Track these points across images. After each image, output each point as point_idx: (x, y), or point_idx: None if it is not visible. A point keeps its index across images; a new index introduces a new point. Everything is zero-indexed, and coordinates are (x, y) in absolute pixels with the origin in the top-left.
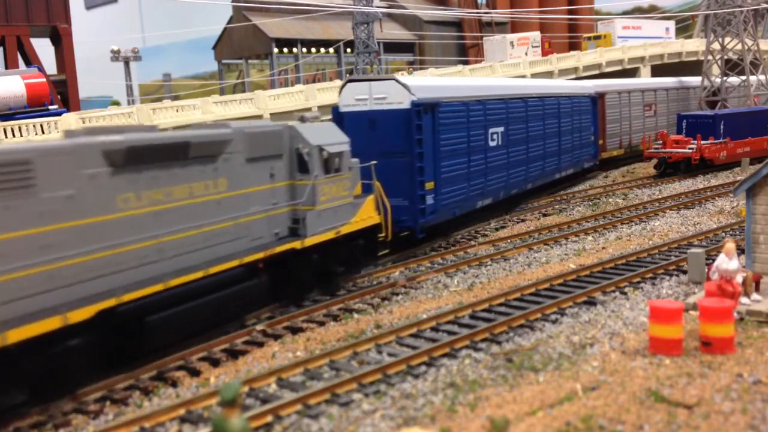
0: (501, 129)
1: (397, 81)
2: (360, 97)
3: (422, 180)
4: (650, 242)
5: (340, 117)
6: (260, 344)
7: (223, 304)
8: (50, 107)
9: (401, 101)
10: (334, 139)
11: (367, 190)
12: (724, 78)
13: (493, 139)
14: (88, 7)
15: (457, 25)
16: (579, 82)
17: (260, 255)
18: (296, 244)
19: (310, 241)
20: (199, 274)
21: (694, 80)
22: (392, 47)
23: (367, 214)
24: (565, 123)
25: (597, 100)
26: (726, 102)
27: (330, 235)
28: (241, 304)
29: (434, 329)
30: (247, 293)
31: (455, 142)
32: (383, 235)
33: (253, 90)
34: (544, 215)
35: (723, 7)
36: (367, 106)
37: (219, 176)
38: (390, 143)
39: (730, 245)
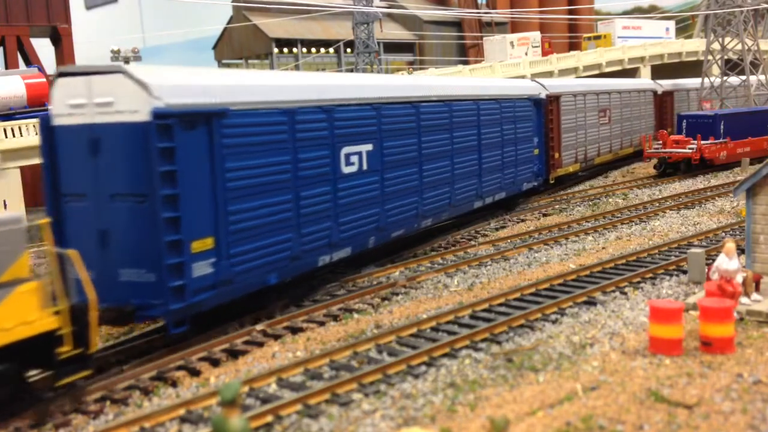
0: (368, 147)
1: (126, 74)
2: (76, 101)
3: (177, 239)
4: (650, 242)
5: (50, 134)
6: (260, 344)
7: None
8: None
9: (136, 109)
10: None
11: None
12: (724, 78)
13: (350, 163)
14: (88, 7)
15: (457, 25)
16: (519, 82)
17: None
18: None
19: None
20: None
21: (646, 83)
22: (392, 47)
23: (16, 319)
24: (490, 134)
25: (544, 103)
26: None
27: None
28: None
29: (434, 329)
30: None
31: (262, 172)
32: (68, 349)
33: None
34: (544, 215)
35: (723, 7)
36: (87, 117)
37: None
38: (120, 179)
39: (730, 245)
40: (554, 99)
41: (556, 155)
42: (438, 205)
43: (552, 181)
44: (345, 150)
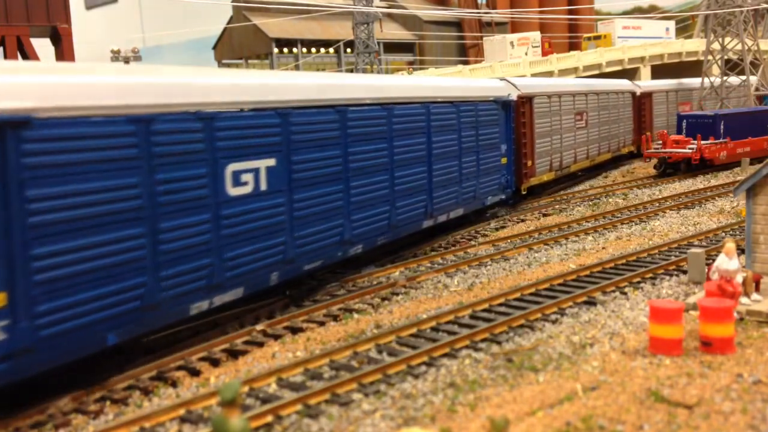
0: (269, 163)
1: None
2: None
3: None
4: (650, 242)
5: None
6: (260, 344)
7: None
8: None
9: None
10: None
11: None
12: (724, 78)
13: (240, 183)
14: (88, 7)
15: (457, 25)
16: (483, 81)
17: None
18: None
19: None
20: None
21: (625, 84)
22: (392, 47)
23: None
24: (444, 142)
25: (513, 106)
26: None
27: None
28: None
29: (434, 329)
30: None
31: (90, 200)
32: None
33: None
34: (544, 215)
35: (723, 7)
36: None
37: None
38: None
39: (730, 245)
40: (527, 100)
41: (529, 163)
42: (372, 228)
43: (524, 192)
44: (232, 167)
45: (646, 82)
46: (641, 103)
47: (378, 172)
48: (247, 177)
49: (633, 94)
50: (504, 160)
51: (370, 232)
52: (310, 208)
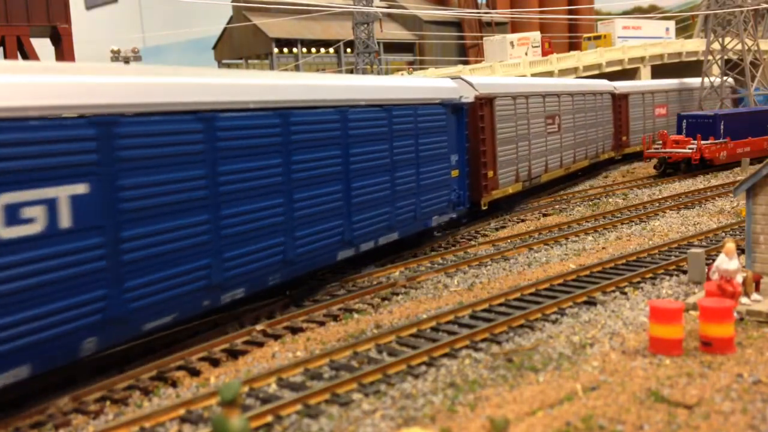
0: (76, 191)
1: None
2: None
3: None
4: (650, 242)
5: None
6: (260, 344)
7: None
8: None
9: None
10: None
11: None
12: (724, 78)
13: (19, 221)
14: (88, 7)
15: (457, 25)
16: (427, 81)
17: None
18: None
19: None
20: None
21: (603, 84)
22: (392, 47)
23: None
24: (369, 155)
25: (467, 109)
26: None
27: None
28: None
29: (434, 329)
30: None
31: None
32: None
33: None
34: (544, 215)
35: (723, 7)
36: None
37: None
38: None
39: (730, 245)
40: (487, 102)
41: (490, 174)
42: (257, 267)
43: (484, 207)
44: (6, 199)
45: (623, 83)
46: (618, 105)
47: (267, 196)
48: (34, 212)
49: (613, 95)
50: (455, 173)
51: (254, 272)
52: (149, 249)
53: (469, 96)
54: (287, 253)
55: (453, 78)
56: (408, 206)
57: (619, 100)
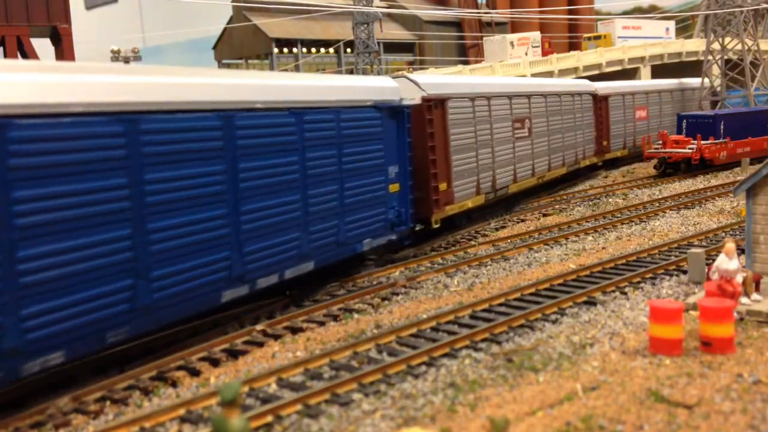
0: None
1: None
2: None
3: None
4: (650, 242)
5: None
6: (260, 344)
7: None
8: None
9: None
10: None
11: None
12: (724, 78)
13: None
14: (88, 7)
15: (457, 25)
16: (356, 79)
17: None
18: None
19: None
20: None
21: (583, 85)
22: (392, 47)
23: None
24: (266, 168)
25: (406, 113)
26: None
27: None
28: None
29: (434, 329)
30: None
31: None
32: None
33: None
34: (544, 215)
35: (723, 7)
36: None
37: None
38: None
39: (730, 245)
40: (437, 104)
41: (443, 186)
42: (89, 319)
43: (436, 225)
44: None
45: (603, 84)
46: (598, 107)
47: (114, 225)
48: None
49: (594, 96)
50: (394, 187)
51: (84, 327)
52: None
53: (413, 97)
54: (138, 300)
55: (395, 77)
56: (327, 229)
57: (600, 102)
